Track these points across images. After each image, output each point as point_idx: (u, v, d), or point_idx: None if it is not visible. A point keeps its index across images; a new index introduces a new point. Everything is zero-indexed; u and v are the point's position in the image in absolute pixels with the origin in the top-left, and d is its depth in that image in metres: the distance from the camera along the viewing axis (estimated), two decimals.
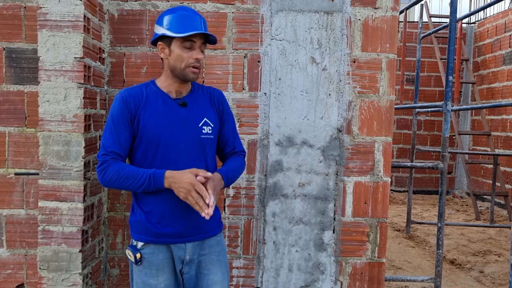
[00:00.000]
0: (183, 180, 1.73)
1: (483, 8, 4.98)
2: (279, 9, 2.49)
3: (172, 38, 1.83)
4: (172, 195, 1.79)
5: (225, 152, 2.05)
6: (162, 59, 1.90)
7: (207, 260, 1.92)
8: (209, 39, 1.90)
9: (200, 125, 1.89)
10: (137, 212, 1.88)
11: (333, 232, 2.55)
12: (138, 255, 1.84)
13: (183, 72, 1.85)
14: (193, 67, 1.85)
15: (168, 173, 1.76)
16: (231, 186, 2.53)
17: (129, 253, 1.87)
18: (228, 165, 1.97)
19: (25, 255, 2.53)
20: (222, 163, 2.04)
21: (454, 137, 8.20)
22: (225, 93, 2.51)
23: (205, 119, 1.91)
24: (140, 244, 1.86)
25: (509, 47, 7.45)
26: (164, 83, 1.91)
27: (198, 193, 1.72)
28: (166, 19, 1.85)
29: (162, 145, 1.83)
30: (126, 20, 2.50)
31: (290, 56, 2.49)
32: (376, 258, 2.57)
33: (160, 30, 1.85)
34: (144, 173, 1.76)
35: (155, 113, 1.83)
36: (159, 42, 1.87)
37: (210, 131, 1.91)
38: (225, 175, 1.89)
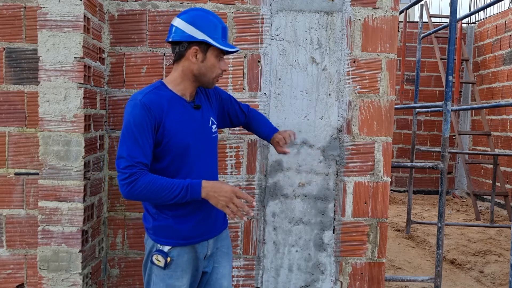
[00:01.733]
0: (223, 189, 1.71)
1: (483, 8, 4.97)
2: (279, 9, 2.49)
3: (209, 46, 1.79)
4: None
5: (243, 119, 2.17)
6: (176, 60, 1.84)
7: (219, 254, 1.97)
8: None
9: (209, 125, 1.93)
10: (160, 217, 1.83)
11: (333, 232, 2.55)
12: (168, 259, 1.81)
13: (211, 80, 1.86)
14: (218, 77, 1.89)
15: (206, 183, 1.73)
16: None
17: (157, 258, 1.82)
18: (262, 120, 2.21)
19: (25, 255, 2.53)
20: (253, 126, 2.19)
21: (454, 137, 8.20)
22: None
23: (211, 118, 1.95)
24: (167, 248, 1.83)
25: (509, 47, 7.45)
26: (179, 86, 1.84)
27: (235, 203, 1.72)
28: (208, 27, 1.79)
29: (190, 151, 1.81)
30: (126, 20, 2.50)
31: (290, 56, 2.49)
32: (376, 258, 2.57)
33: (200, 35, 1.77)
34: (179, 184, 1.71)
35: (180, 119, 1.79)
36: (194, 46, 1.78)
37: (215, 129, 1.97)
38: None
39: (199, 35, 1.77)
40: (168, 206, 1.80)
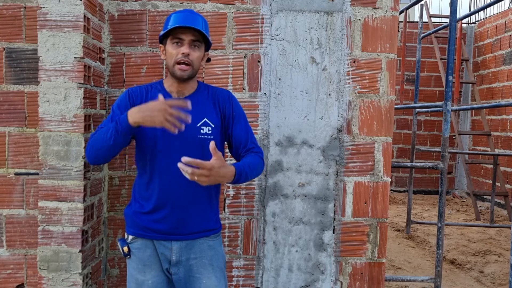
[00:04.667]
0: (152, 105, 1.69)
1: (483, 8, 4.98)
2: (279, 9, 2.49)
3: (166, 38, 1.88)
4: (164, 189, 1.83)
5: (239, 152, 1.97)
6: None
7: (199, 264, 1.90)
8: (205, 39, 1.89)
9: (198, 125, 1.88)
10: (130, 205, 1.95)
11: (333, 232, 2.55)
12: (125, 248, 1.90)
13: (172, 69, 1.86)
14: (180, 63, 1.83)
15: (132, 109, 1.73)
16: (231, 186, 2.52)
17: (118, 245, 1.93)
18: (243, 160, 1.90)
19: (25, 255, 2.53)
20: None
21: (454, 137, 8.20)
22: None
23: (205, 119, 1.91)
24: (130, 238, 1.92)
25: (509, 47, 7.45)
26: (167, 83, 1.96)
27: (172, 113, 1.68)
28: (165, 22, 1.92)
29: (158, 142, 1.85)
30: (126, 20, 2.50)
31: (290, 56, 2.49)
32: (376, 258, 2.57)
33: (161, 34, 1.91)
34: (112, 124, 1.77)
35: None
36: (160, 45, 1.94)
37: (210, 131, 1.90)
38: (238, 166, 1.80)
39: (160, 34, 1.90)
40: (139, 196, 1.90)
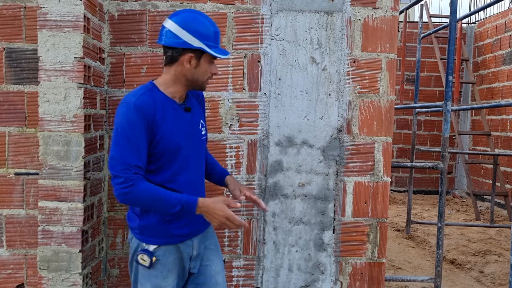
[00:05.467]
0: (216, 213, 1.76)
1: (483, 8, 4.98)
2: (279, 9, 2.49)
3: (203, 52, 1.80)
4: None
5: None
6: (168, 63, 1.83)
7: (208, 252, 1.99)
8: None
9: (199, 127, 1.94)
10: (146, 216, 1.84)
11: (333, 232, 2.55)
12: (154, 259, 1.82)
13: (203, 84, 1.88)
14: (209, 79, 1.91)
15: (201, 203, 1.76)
16: None
17: (143, 257, 1.82)
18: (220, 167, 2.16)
19: (25, 255, 2.53)
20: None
21: (454, 137, 8.20)
22: (225, 93, 2.52)
23: (201, 121, 1.98)
24: (152, 247, 1.84)
25: (509, 47, 7.45)
26: (170, 88, 1.85)
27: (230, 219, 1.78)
28: (202, 33, 1.79)
29: (181, 152, 1.83)
30: (126, 20, 2.50)
31: (290, 56, 2.49)
32: (376, 258, 2.57)
33: (196, 43, 1.77)
34: (176, 199, 1.74)
35: (172, 122, 1.81)
36: (189, 54, 1.79)
37: (205, 132, 1.99)
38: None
39: (195, 43, 1.77)
40: None
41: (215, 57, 1.85)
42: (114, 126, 1.76)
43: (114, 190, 1.73)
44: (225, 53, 1.86)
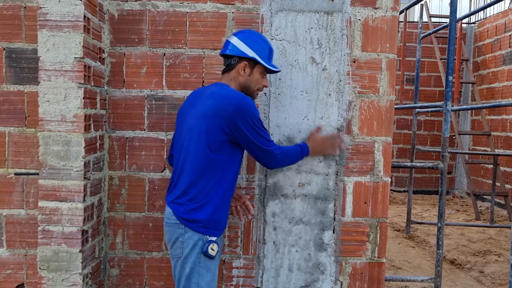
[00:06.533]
0: (325, 144, 2.39)
1: (483, 8, 4.97)
2: (279, 9, 2.49)
3: (256, 63, 2.13)
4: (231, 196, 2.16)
5: None
6: (227, 71, 2.16)
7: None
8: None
9: None
10: (219, 210, 2.08)
11: (333, 232, 2.55)
12: (216, 247, 2.08)
13: (253, 92, 2.18)
14: (259, 90, 2.21)
15: (310, 146, 2.31)
16: None
17: (213, 247, 2.04)
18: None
19: (25, 255, 2.53)
20: None
21: (454, 137, 8.20)
22: None
23: None
24: (214, 239, 2.06)
25: (509, 47, 7.45)
26: None
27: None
28: (258, 46, 2.13)
29: (242, 155, 2.21)
30: (126, 20, 2.50)
31: (290, 56, 2.49)
32: (376, 258, 2.57)
33: (250, 53, 2.10)
34: (298, 148, 2.24)
35: None
36: (244, 61, 2.12)
37: None
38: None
39: (250, 53, 2.11)
40: (223, 202, 2.09)
41: (266, 70, 2.17)
42: (246, 119, 2.00)
43: (272, 162, 2.14)
44: (276, 67, 2.18)
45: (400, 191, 8.64)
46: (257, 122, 2.03)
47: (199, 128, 2.02)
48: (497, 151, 7.31)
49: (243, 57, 2.11)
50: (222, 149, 2.01)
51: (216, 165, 2.02)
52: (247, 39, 2.13)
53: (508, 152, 7.14)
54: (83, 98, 2.22)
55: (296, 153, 2.21)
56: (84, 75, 2.23)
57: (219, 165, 2.03)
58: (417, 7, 12.01)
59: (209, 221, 2.04)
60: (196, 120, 2.04)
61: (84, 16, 2.21)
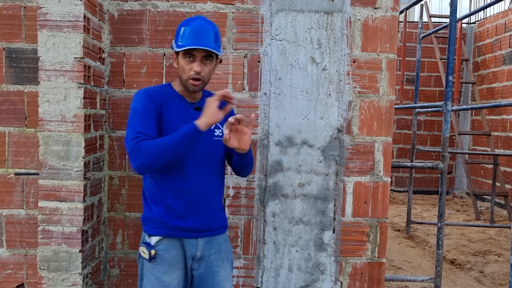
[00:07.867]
0: (210, 111, 1.77)
1: (483, 8, 4.98)
2: (279, 9, 2.49)
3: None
4: (189, 190, 1.89)
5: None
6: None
7: (218, 258, 1.99)
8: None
9: (211, 128, 1.93)
10: (152, 208, 1.94)
11: (333, 232, 2.55)
12: (153, 252, 1.88)
13: (185, 83, 1.90)
14: (193, 79, 1.87)
15: (199, 120, 1.77)
16: (231, 186, 2.53)
17: (143, 250, 1.90)
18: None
19: (25, 255, 2.53)
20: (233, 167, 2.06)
21: (454, 137, 8.20)
22: None
23: (216, 124, 1.93)
24: (154, 240, 1.90)
25: (509, 47, 7.45)
26: (179, 87, 1.97)
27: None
28: (180, 32, 1.91)
29: None
30: (126, 20, 2.50)
31: (290, 56, 2.49)
32: (376, 258, 2.57)
33: (172, 43, 1.94)
34: (178, 132, 1.77)
35: (176, 113, 1.91)
36: (174, 54, 1.95)
37: (221, 134, 1.98)
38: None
39: (172, 44, 1.94)
40: (161, 198, 1.91)
41: (192, 53, 1.85)
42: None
43: (130, 162, 1.80)
44: (185, 44, 1.84)
45: (400, 191, 8.64)
46: (131, 112, 1.87)
47: None
48: (497, 151, 7.31)
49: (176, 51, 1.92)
50: None
51: None
52: (177, 28, 1.95)
53: (508, 152, 7.14)
54: (83, 98, 2.22)
55: (170, 140, 1.77)
56: (84, 75, 2.22)
57: None
58: (417, 7, 12.00)
59: (146, 219, 1.96)
60: None
61: (84, 16, 2.21)
